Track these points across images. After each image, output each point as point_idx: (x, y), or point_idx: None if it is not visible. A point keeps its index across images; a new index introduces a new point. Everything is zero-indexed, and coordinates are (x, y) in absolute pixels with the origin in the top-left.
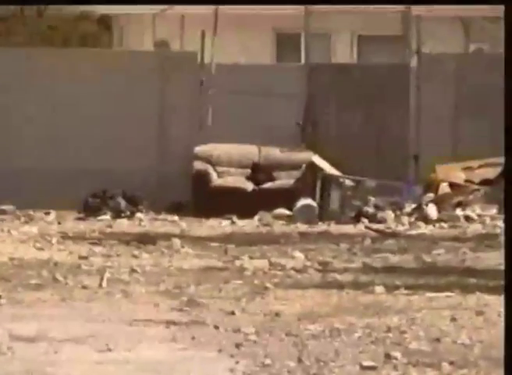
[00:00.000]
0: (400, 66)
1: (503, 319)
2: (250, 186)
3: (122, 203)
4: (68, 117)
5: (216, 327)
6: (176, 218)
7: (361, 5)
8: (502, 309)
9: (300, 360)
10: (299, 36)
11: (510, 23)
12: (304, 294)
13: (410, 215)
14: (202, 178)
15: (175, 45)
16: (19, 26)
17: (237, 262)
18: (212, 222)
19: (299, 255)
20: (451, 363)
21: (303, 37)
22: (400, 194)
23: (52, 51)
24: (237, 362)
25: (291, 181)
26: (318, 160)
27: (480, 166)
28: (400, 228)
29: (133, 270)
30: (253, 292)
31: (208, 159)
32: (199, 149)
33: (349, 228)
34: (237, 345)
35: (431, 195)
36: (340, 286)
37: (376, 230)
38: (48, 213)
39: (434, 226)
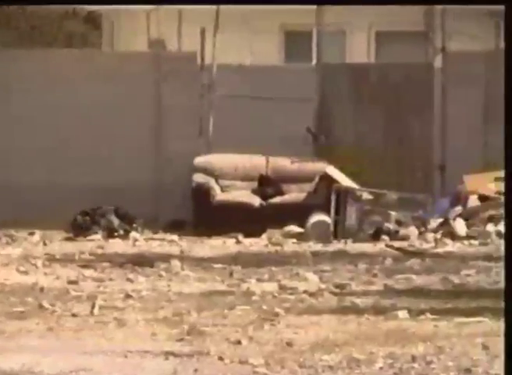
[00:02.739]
0: (423, 65)
1: None
2: (257, 201)
3: (115, 221)
4: (53, 127)
5: (221, 358)
6: (175, 237)
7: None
8: None
9: None
10: (310, 33)
11: (510, 23)
12: (318, 321)
13: (435, 231)
14: (203, 193)
15: (172, 45)
16: None
17: (244, 286)
18: (215, 241)
19: (312, 277)
20: None
21: (314, 34)
22: (424, 209)
23: (35, 52)
24: None
25: (303, 195)
26: (332, 171)
27: None
28: (425, 246)
29: (127, 296)
30: (261, 319)
31: (209, 171)
32: (199, 160)
33: (368, 246)
34: None
35: (459, 209)
36: (359, 311)
37: (398, 249)
38: (32, 233)
39: (463, 243)
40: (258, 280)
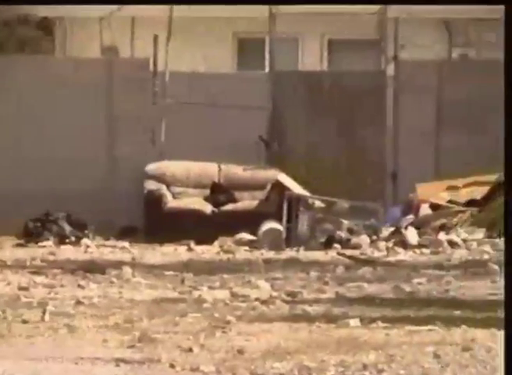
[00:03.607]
0: (376, 73)
1: (492, 355)
2: (209, 208)
3: (67, 228)
4: (3, 134)
5: (172, 366)
6: (126, 244)
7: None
8: (491, 344)
9: None
10: (263, 41)
11: (510, 23)
12: (270, 329)
13: (387, 240)
14: (155, 199)
15: (125, 52)
16: None
17: (195, 293)
18: (167, 248)
19: (264, 284)
20: None
21: (267, 42)
22: (376, 217)
23: None
24: None
25: (255, 203)
26: (284, 179)
27: (465, 185)
28: (377, 254)
29: (78, 302)
30: (213, 326)
31: (161, 178)
32: (151, 167)
33: (319, 254)
34: None
35: (410, 218)
36: (310, 319)
37: (350, 257)
38: None
39: (414, 252)
40: (210, 287)
